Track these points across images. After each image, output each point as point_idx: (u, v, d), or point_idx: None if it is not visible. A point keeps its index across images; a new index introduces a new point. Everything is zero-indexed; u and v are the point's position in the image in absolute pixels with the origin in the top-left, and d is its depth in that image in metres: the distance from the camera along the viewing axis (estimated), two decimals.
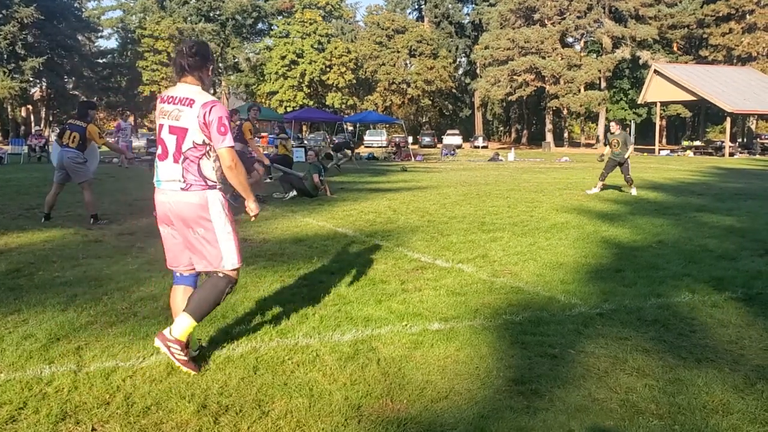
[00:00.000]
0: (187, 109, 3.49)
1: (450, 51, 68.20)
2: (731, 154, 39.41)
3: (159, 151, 3.59)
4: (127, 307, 4.75)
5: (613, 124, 14.28)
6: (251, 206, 3.73)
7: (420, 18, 73.35)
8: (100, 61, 64.48)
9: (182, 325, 3.52)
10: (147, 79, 58.66)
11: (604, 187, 14.03)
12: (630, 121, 53.71)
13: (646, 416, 3.05)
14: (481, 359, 3.77)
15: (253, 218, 3.76)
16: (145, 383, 3.39)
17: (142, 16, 62.69)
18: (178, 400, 3.18)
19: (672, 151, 44.29)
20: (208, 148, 3.53)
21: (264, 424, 2.97)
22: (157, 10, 62.04)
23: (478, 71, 64.90)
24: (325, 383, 3.41)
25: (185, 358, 3.52)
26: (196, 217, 3.53)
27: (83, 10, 61.97)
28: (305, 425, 2.97)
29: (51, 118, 58.58)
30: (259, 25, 69.96)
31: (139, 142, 40.83)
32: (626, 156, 13.56)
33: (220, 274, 3.61)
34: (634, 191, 13.44)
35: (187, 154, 3.51)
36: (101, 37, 67.74)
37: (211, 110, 3.48)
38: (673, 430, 2.92)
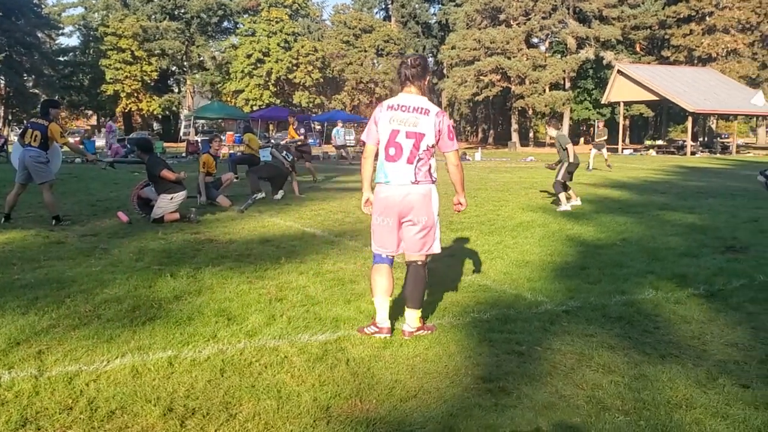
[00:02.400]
0: (424, 117, 4.06)
1: (417, 51, 68.35)
2: (693, 153, 40.17)
3: (392, 153, 4.08)
4: (91, 310, 4.66)
5: (546, 125, 11.52)
6: (462, 200, 4.33)
7: (387, 17, 73.38)
8: (62, 59, 63.09)
9: (414, 316, 4.18)
10: (110, 78, 57.64)
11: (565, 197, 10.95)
12: (594, 121, 54.42)
13: (612, 412, 3.09)
14: (449, 357, 3.78)
15: (458, 210, 4.40)
16: (109, 387, 3.33)
17: (105, 13, 61.56)
18: (144, 404, 3.13)
19: (635, 150, 45.00)
20: (434, 149, 4.11)
21: (231, 427, 2.94)
22: (120, 7, 61.00)
23: (445, 71, 65.18)
24: (294, 384, 3.39)
25: (428, 331, 4.18)
26: (423, 207, 4.09)
27: (43, 6, 60.65)
28: (273, 427, 2.94)
29: (10, 117, 57.24)
30: (225, 24, 69.27)
31: (102, 142, 40.09)
32: (567, 162, 10.68)
33: (418, 263, 4.21)
34: (564, 206, 10.41)
35: (421, 155, 4.06)
36: (62, 34, 66.45)
37: (443, 119, 4.09)
38: (638, 425, 2.96)
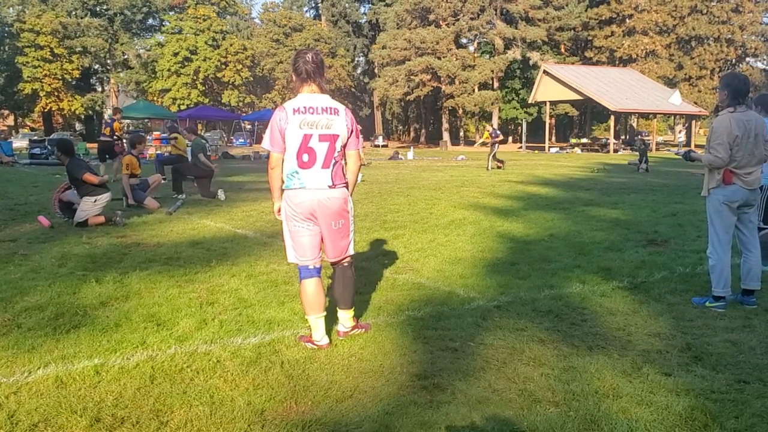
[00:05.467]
0: (336, 118, 3.84)
1: (348, 50, 68.35)
2: (615, 150, 41.68)
3: (305, 159, 3.81)
4: (10, 319, 4.45)
5: None
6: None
7: (317, 16, 73.10)
8: None
9: (347, 317, 4.13)
10: (28, 76, 55.34)
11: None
12: (522, 120, 55.67)
13: (544, 404, 3.16)
14: (385, 356, 3.79)
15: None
16: (31, 399, 3.18)
17: (21, 8, 58.99)
18: (69, 415, 3.01)
19: (561, 148, 46.32)
20: (343, 150, 3.96)
21: None
22: (37, 2, 58.56)
23: (376, 71, 65.41)
24: (227, 389, 3.33)
25: (362, 330, 4.18)
26: (341, 210, 3.93)
27: None
28: None
29: None
30: (150, 21, 67.58)
31: (20, 143, 38.38)
32: None
33: (345, 263, 4.10)
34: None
35: (336, 158, 3.87)
36: None
37: (351, 118, 3.94)
38: (568, 416, 3.04)
